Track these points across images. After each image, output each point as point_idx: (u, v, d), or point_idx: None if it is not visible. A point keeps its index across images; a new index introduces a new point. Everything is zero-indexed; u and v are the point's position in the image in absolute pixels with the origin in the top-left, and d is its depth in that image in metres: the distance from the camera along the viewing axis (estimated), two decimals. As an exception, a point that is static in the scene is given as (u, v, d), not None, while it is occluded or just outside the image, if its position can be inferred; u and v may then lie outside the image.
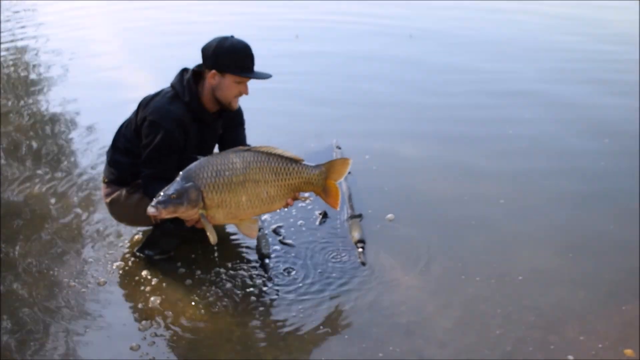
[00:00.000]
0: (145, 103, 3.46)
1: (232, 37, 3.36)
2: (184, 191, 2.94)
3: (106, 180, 3.64)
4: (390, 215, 4.17)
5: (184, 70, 3.45)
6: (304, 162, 3.22)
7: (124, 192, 3.56)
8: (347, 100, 6.45)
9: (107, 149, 3.73)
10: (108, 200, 3.62)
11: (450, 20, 10.21)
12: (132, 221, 3.75)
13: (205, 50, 3.35)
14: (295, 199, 3.28)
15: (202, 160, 3.05)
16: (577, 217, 4.27)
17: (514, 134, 5.62)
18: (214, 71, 3.31)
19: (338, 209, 3.42)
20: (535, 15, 10.68)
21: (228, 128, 3.64)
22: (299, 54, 8.06)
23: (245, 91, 3.41)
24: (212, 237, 3.08)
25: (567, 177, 4.82)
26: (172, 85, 3.43)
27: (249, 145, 3.65)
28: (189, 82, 3.37)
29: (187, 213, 3.00)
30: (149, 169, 3.38)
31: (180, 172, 3.03)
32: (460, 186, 4.64)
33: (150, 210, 2.93)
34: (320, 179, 3.24)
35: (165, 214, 2.96)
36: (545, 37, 9.27)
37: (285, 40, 8.64)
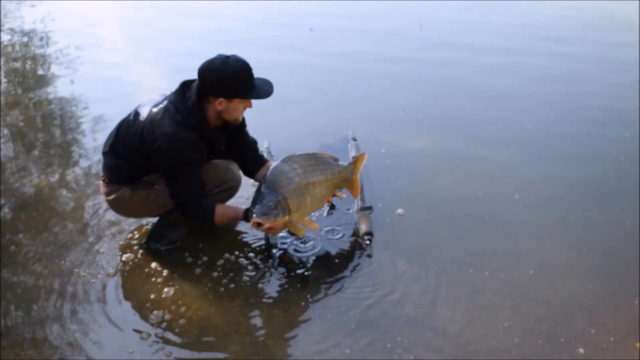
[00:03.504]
0: (151, 125, 3.34)
1: (229, 58, 3.25)
2: (277, 202, 3.13)
3: (106, 180, 3.60)
4: (400, 210, 4.14)
5: (185, 87, 3.37)
6: (339, 162, 3.50)
7: (127, 190, 3.54)
8: (364, 93, 6.42)
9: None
10: (110, 198, 3.58)
11: (462, 6, 10.08)
12: (138, 214, 3.78)
13: (205, 76, 3.26)
14: (334, 196, 3.55)
15: (272, 170, 3.25)
16: (591, 211, 4.20)
17: (532, 129, 5.55)
18: (221, 99, 3.29)
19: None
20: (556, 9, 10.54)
21: (234, 131, 3.64)
22: (314, 48, 8.04)
23: (250, 106, 3.45)
24: (302, 232, 3.40)
25: (584, 172, 4.74)
26: (175, 106, 3.33)
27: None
28: (194, 107, 3.31)
29: (280, 221, 3.17)
30: (184, 195, 3.44)
31: (263, 184, 3.19)
32: (475, 183, 4.59)
33: (256, 220, 3.09)
34: (351, 175, 3.54)
35: (268, 224, 3.12)
36: (567, 34, 9.12)
37: (300, 34, 8.64)
